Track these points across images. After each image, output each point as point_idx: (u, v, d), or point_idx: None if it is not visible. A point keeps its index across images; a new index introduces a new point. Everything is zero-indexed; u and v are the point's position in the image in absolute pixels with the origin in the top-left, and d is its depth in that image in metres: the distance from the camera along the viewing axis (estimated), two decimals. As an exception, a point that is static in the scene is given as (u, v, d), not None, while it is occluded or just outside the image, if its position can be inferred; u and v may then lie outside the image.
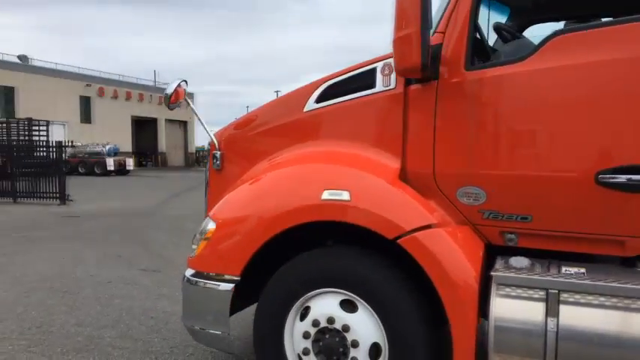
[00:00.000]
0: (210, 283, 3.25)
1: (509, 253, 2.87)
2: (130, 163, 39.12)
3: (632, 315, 2.45)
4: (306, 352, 3.00)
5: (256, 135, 3.64)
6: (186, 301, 3.42)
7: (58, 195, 16.89)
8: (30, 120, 22.12)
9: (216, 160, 3.75)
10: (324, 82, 3.31)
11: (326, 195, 2.94)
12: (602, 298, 2.51)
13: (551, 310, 2.55)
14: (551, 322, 2.54)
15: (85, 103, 46.90)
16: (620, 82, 2.51)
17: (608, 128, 2.54)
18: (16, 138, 19.76)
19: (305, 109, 3.35)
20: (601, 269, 2.66)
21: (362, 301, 2.90)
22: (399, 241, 2.80)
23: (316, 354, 2.99)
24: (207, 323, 3.31)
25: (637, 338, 2.41)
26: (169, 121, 55.11)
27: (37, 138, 19.79)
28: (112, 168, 36.20)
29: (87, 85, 46.90)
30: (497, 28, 3.30)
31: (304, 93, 3.39)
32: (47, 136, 19.66)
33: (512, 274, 2.66)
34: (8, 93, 40.73)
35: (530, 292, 2.62)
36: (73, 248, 8.87)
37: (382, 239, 2.86)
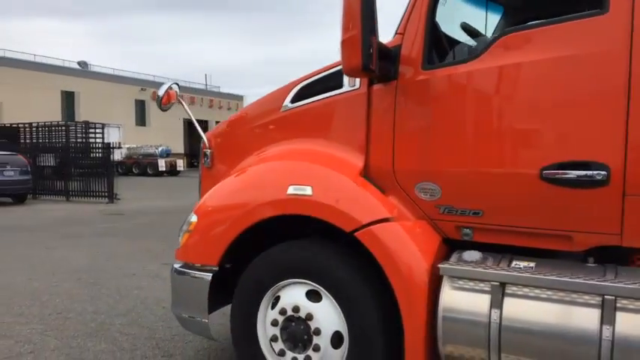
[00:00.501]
0: (192, 273, 3.47)
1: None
2: (181, 164, 40.38)
3: (571, 308, 2.49)
4: (274, 338, 3.16)
5: (240, 133, 3.85)
6: (173, 290, 3.66)
7: (106, 194, 17.75)
8: (87, 123, 23.27)
9: (207, 158, 3.98)
10: (299, 83, 3.47)
11: (291, 190, 3.11)
12: (546, 292, 2.56)
13: (495, 302, 2.62)
14: (495, 314, 2.62)
15: (140, 106, 48.77)
16: (561, 79, 2.56)
17: (551, 125, 2.59)
18: (74, 140, 20.93)
19: (282, 109, 3.53)
20: (550, 264, 2.70)
21: (326, 291, 3.05)
22: (355, 234, 2.93)
23: (284, 341, 3.15)
24: (193, 311, 3.54)
25: (575, 330, 2.45)
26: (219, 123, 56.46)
27: (93, 140, 20.81)
28: (164, 169, 37.51)
29: (142, 89, 48.72)
30: (464, 27, 3.36)
31: (282, 93, 3.56)
32: (103, 138, 20.63)
33: (457, 267, 2.75)
34: (69, 97, 42.91)
35: (477, 284, 2.69)
36: (109, 243, 9.39)
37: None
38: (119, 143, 22.80)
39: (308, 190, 3.06)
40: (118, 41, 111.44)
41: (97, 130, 21.41)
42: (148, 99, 49.40)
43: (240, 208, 3.30)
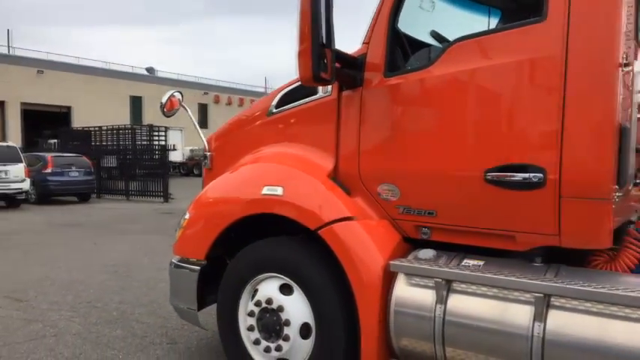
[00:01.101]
0: (185, 267, 3.77)
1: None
2: (240, 165, 41.43)
3: (507, 304, 2.59)
4: (251, 328, 3.40)
5: (236, 136, 4.11)
6: (170, 282, 3.98)
7: (162, 194, 18.65)
8: (151, 126, 24.48)
9: (206, 160, 4.28)
10: (283, 89, 3.70)
11: (265, 190, 3.34)
12: (486, 289, 2.67)
13: (439, 298, 2.75)
14: (439, 309, 2.74)
15: (202, 109, 50.42)
16: (502, 85, 2.66)
17: (493, 129, 2.70)
18: (139, 143, 22.11)
19: (267, 114, 3.77)
20: (498, 262, 2.80)
21: (296, 285, 3.26)
22: (319, 231, 3.12)
23: (259, 330, 3.38)
24: (186, 303, 3.83)
25: (509, 326, 2.55)
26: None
27: (156, 143, 21.83)
28: (222, 170, 38.62)
29: (204, 93, 50.42)
30: (433, 35, 3.47)
31: (270, 98, 3.80)
32: (165, 140, 21.61)
33: (405, 263, 2.89)
34: (137, 102, 45.08)
35: (426, 281, 2.83)
36: (152, 240, 9.96)
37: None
38: (173, 145, 23.74)
39: (279, 191, 3.29)
40: (183, 47, 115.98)
41: (161, 133, 22.46)
42: (210, 102, 51.09)
43: (223, 206, 3.58)
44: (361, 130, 3.16)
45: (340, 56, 3.08)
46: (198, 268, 3.68)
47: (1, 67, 36.96)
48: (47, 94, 39.33)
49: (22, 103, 38.53)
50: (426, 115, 2.93)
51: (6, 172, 15.58)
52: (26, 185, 16.15)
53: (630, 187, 2.63)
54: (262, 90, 59.85)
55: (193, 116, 4.50)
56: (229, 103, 52.65)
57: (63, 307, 5.50)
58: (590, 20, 2.45)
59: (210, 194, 3.79)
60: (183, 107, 4.32)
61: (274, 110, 3.73)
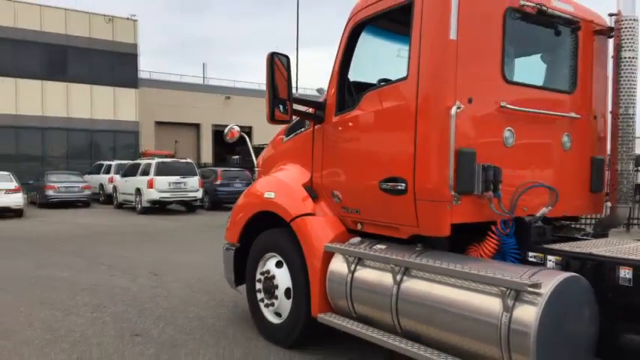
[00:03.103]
0: (229, 248, 5.41)
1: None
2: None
3: (382, 273, 3.74)
4: (259, 290, 4.91)
5: (271, 155, 5.65)
6: (223, 261, 5.63)
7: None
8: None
9: (255, 175, 5.90)
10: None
11: (266, 194, 4.85)
12: (375, 263, 3.85)
13: (350, 269, 3.98)
14: (349, 277, 3.98)
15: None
16: (386, 123, 3.85)
17: (382, 152, 3.88)
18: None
19: (282, 140, 5.27)
20: (394, 247, 3.93)
21: (284, 261, 4.70)
22: (291, 223, 4.53)
23: (263, 292, 4.86)
24: (230, 274, 5.46)
25: (380, 287, 3.71)
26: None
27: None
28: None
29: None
30: (380, 81, 4.60)
31: (285, 128, 5.29)
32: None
33: (333, 245, 4.16)
34: (307, 120, 49.35)
35: (348, 258, 4.06)
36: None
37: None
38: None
39: (273, 195, 4.77)
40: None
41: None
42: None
43: (246, 205, 5.17)
44: (323, 153, 4.50)
45: (312, 102, 4.51)
46: (234, 248, 5.30)
47: (197, 95, 43.56)
48: (233, 116, 44.91)
49: (213, 125, 44.77)
50: (348, 143, 4.21)
51: (185, 183, 19.17)
52: (200, 194, 19.59)
53: (482, 194, 3.57)
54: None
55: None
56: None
57: (180, 279, 7.56)
58: (430, 80, 3.53)
59: (242, 197, 5.40)
60: (242, 135, 5.98)
61: (285, 138, 5.22)
